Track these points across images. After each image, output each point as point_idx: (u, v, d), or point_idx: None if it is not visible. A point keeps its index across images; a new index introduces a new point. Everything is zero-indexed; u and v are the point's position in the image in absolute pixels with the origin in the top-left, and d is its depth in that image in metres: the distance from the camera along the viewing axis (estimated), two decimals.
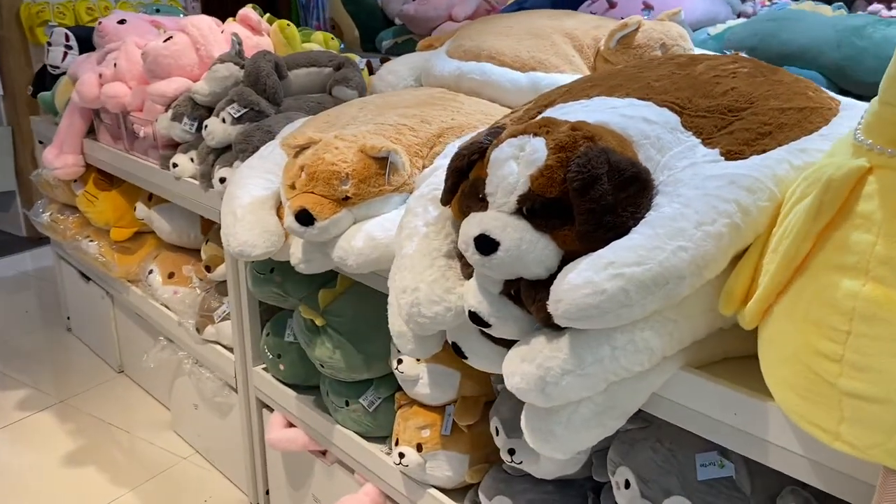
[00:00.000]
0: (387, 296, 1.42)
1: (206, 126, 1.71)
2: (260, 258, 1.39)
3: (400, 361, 1.38)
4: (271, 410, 1.82)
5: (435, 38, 2.09)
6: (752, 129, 0.95)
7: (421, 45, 2.10)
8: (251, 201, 1.42)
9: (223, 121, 1.70)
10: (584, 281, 0.81)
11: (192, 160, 1.87)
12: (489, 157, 0.95)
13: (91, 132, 2.40)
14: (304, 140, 1.34)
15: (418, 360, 1.37)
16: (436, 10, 3.85)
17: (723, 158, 0.92)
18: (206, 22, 2.00)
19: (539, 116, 1.04)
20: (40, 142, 2.79)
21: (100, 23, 2.33)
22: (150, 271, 2.18)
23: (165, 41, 1.96)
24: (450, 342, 1.08)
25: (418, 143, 1.40)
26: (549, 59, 1.64)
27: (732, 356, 0.96)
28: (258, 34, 2.12)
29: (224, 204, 1.44)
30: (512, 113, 1.23)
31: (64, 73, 2.63)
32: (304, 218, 1.27)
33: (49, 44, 2.65)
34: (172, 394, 2.28)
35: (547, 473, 1.20)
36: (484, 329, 0.98)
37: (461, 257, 1.05)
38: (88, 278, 2.65)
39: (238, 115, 1.69)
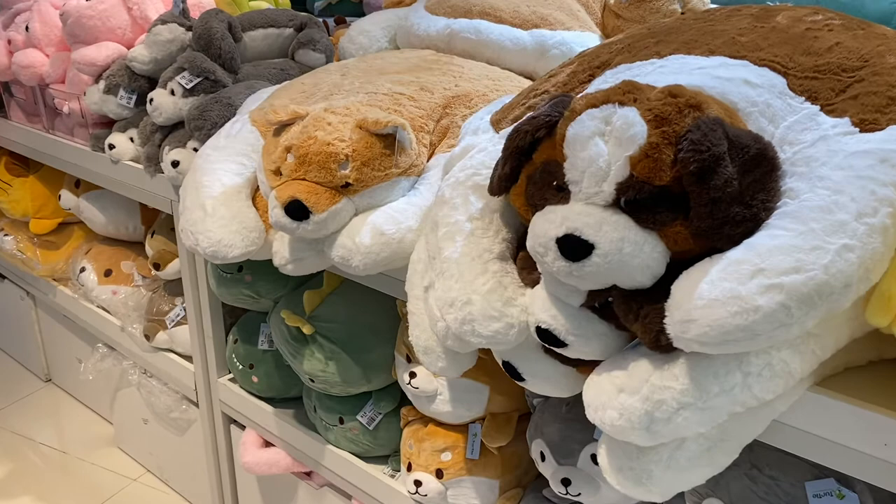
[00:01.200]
0: (385, 295, 1.21)
1: (150, 100, 1.43)
2: (238, 260, 1.15)
3: (413, 375, 1.17)
4: (241, 427, 1.59)
5: None
6: (881, 93, 0.77)
7: (388, 2, 1.86)
8: (223, 191, 1.17)
9: (171, 93, 1.43)
10: (726, 295, 0.62)
11: (131, 140, 1.59)
12: (565, 133, 0.74)
13: None
14: (287, 115, 1.10)
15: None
16: None
17: (857, 130, 0.74)
18: None
19: (615, 80, 0.83)
20: None
21: None
22: (83, 269, 1.88)
23: (90, 0, 1.65)
24: (500, 361, 0.88)
25: (421, 115, 1.18)
26: (553, 15, 1.44)
27: (853, 366, 0.80)
28: None
29: (188, 194, 1.19)
30: (550, 77, 1.03)
31: None
32: (297, 210, 1.04)
33: None
34: (115, 407, 2.00)
35: None
36: (555, 348, 0.79)
37: (523, 259, 0.85)
38: (3, 276, 2.31)
39: (190, 85, 1.42)
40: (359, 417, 1.31)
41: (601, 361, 0.79)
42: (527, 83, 1.35)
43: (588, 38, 1.41)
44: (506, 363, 0.87)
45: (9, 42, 1.81)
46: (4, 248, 2.08)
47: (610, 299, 0.75)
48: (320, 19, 1.90)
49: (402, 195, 1.12)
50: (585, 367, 0.83)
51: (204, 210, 1.15)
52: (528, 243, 0.76)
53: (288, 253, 1.14)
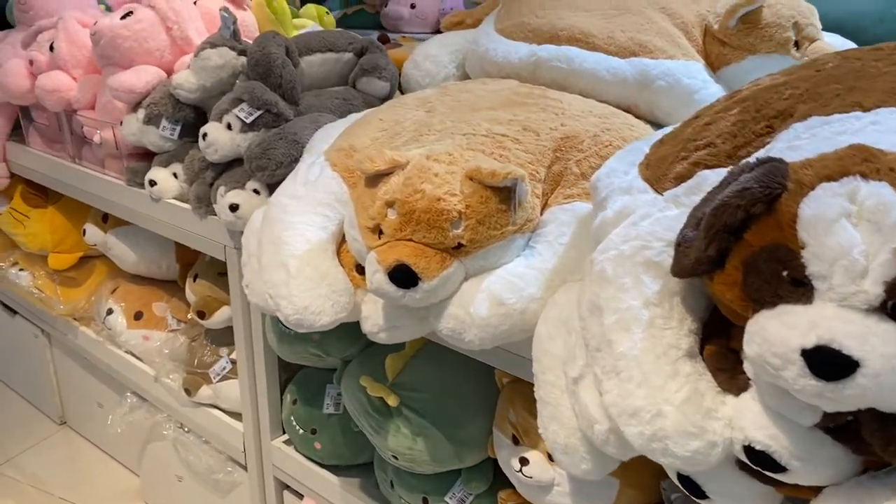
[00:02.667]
0: (476, 362, 1.06)
1: (204, 135, 1.28)
2: (326, 329, 1.00)
3: (524, 461, 1.02)
4: (298, 495, 1.43)
5: (463, 14, 1.71)
6: None
7: (448, 23, 1.72)
8: (307, 248, 1.01)
9: (228, 127, 1.27)
10: None
11: (175, 176, 1.43)
12: (796, 212, 0.60)
13: (14, 132, 1.88)
14: (385, 163, 0.95)
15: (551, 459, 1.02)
16: None
17: None
18: None
19: (822, 139, 0.69)
20: None
21: None
22: (110, 311, 1.72)
23: (124, 17, 1.49)
24: (674, 473, 0.73)
25: (531, 160, 1.04)
26: (652, 41, 1.29)
27: None
28: (240, 8, 1.67)
29: (266, 251, 1.04)
30: (706, 125, 0.88)
31: None
32: (404, 277, 0.89)
33: None
34: (144, 460, 1.83)
35: None
36: (771, 473, 0.65)
37: (716, 357, 0.70)
38: (14, 311, 2.14)
39: (250, 119, 1.26)
40: (447, 499, 1.16)
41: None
42: (635, 120, 1.21)
43: (694, 69, 1.27)
44: (684, 478, 0.72)
45: (31, 63, 1.65)
46: (20, 285, 1.91)
47: (850, 418, 0.61)
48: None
49: (517, 255, 0.97)
50: (788, 487, 0.69)
51: (287, 271, 0.99)
52: (753, 350, 0.61)
53: (382, 320, 0.99)
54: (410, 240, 0.91)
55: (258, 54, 1.30)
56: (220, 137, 1.27)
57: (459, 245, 0.91)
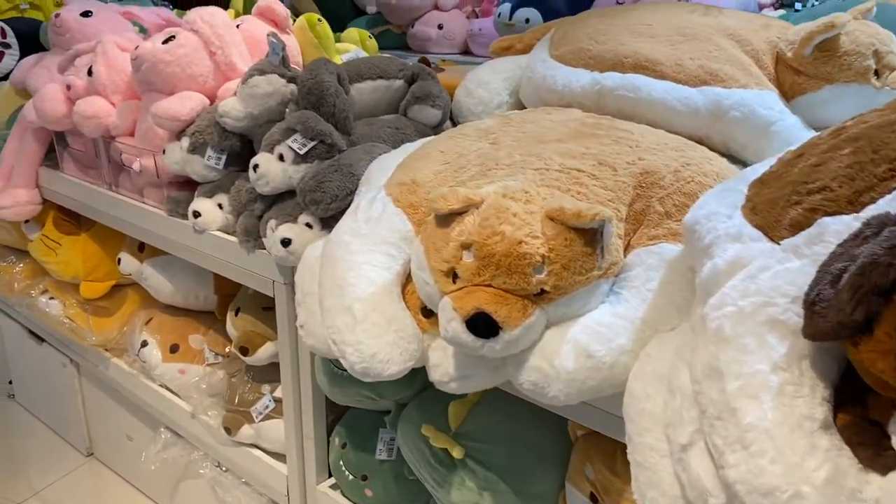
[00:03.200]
0: (546, 410, 0.99)
1: (255, 166, 1.22)
2: (394, 378, 0.93)
3: None
4: None
5: (511, 39, 1.66)
6: None
7: (496, 48, 1.66)
8: (373, 291, 0.95)
9: (280, 158, 1.22)
10: None
11: (220, 207, 1.37)
12: None
13: (47, 156, 1.83)
14: (459, 202, 0.89)
15: None
16: None
17: None
18: (221, 16, 1.50)
19: None
20: None
21: (57, 15, 1.76)
22: (144, 343, 1.66)
23: (166, 42, 1.44)
24: None
25: (610, 198, 0.97)
26: (724, 70, 1.23)
27: None
28: (283, 32, 1.62)
29: (328, 294, 0.98)
30: (815, 166, 0.81)
31: (0, 80, 2.05)
32: (484, 326, 0.83)
33: None
34: (177, 497, 1.77)
35: None
36: None
37: (853, 429, 0.63)
38: (42, 339, 2.08)
39: (304, 150, 1.20)
40: None
41: None
42: (711, 153, 1.14)
43: (769, 98, 1.21)
44: None
45: (68, 88, 1.60)
46: (50, 314, 1.86)
47: None
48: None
49: (602, 302, 0.90)
50: None
51: (352, 316, 0.93)
52: None
53: (453, 369, 0.93)
54: (489, 285, 0.85)
55: (310, 82, 1.25)
56: (271, 169, 1.21)
57: (542, 291, 0.85)
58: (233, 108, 1.33)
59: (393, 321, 0.94)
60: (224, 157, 1.37)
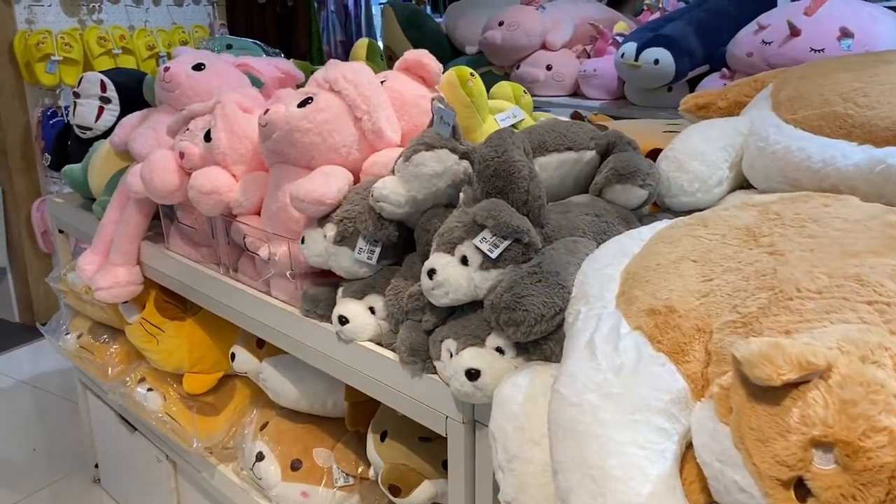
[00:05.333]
0: None
1: (430, 272, 0.94)
2: None
3: None
4: None
5: (711, 95, 1.36)
6: None
7: (690, 106, 1.36)
8: (651, 491, 0.66)
9: (463, 261, 0.94)
10: None
11: (372, 311, 1.10)
12: None
13: (151, 227, 1.61)
14: (792, 367, 0.58)
15: None
16: (528, 36, 3.16)
17: None
18: (366, 74, 1.24)
19: None
20: (60, 230, 1.99)
21: (166, 69, 1.54)
22: (260, 455, 1.40)
23: (303, 105, 1.19)
24: None
25: None
26: None
27: None
28: (430, 88, 1.36)
29: (580, 484, 0.68)
30: None
31: (98, 138, 1.85)
32: None
33: (76, 95, 1.86)
34: None
35: None
36: None
37: None
38: (133, 427, 1.85)
39: (496, 252, 0.92)
40: None
41: None
42: None
43: None
44: None
45: (181, 155, 1.37)
46: (148, 408, 1.61)
47: None
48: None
49: None
50: None
51: None
52: None
53: None
54: None
55: (496, 161, 0.97)
56: (453, 276, 0.93)
57: None
58: (393, 190, 1.06)
59: None
60: (378, 250, 1.10)
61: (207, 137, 1.35)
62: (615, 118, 1.86)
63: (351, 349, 1.11)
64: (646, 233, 0.97)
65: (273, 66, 1.68)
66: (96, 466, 2.17)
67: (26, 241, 3.21)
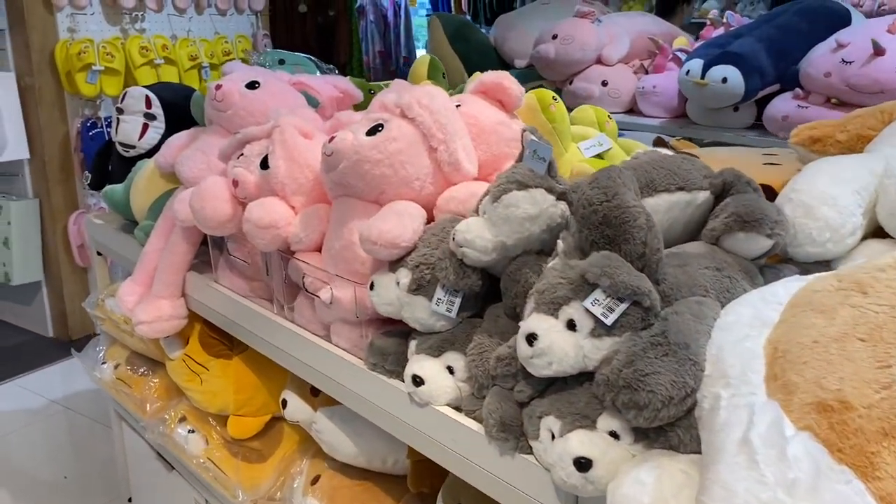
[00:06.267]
0: None
1: (531, 337, 0.80)
2: None
3: None
4: None
5: (828, 126, 1.20)
6: None
7: (801, 139, 1.21)
8: None
9: (570, 326, 0.80)
10: None
11: (450, 371, 0.97)
12: None
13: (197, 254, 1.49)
14: None
15: None
16: (583, 50, 3.01)
17: None
18: (442, 99, 1.11)
19: None
20: (99, 253, 1.89)
21: (218, 87, 1.42)
22: None
23: (372, 132, 1.06)
24: None
25: None
26: None
27: None
28: (508, 113, 1.22)
29: None
30: None
31: (142, 156, 1.74)
32: None
33: (119, 110, 1.76)
34: None
35: None
36: None
37: None
38: (171, 465, 1.73)
39: (611, 317, 0.78)
40: None
41: None
42: None
43: None
44: None
45: (235, 184, 1.25)
46: (189, 452, 1.49)
47: None
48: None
49: None
50: None
51: None
52: None
53: None
54: None
55: (605, 206, 0.83)
56: (558, 343, 0.79)
57: None
58: (478, 235, 0.92)
59: None
60: (458, 301, 0.97)
61: (264, 165, 1.22)
62: (690, 139, 1.71)
63: (425, 413, 0.97)
64: (781, 294, 0.82)
65: (331, 84, 1.56)
66: (129, 501, 2.05)
67: (62, 254, 3.14)
